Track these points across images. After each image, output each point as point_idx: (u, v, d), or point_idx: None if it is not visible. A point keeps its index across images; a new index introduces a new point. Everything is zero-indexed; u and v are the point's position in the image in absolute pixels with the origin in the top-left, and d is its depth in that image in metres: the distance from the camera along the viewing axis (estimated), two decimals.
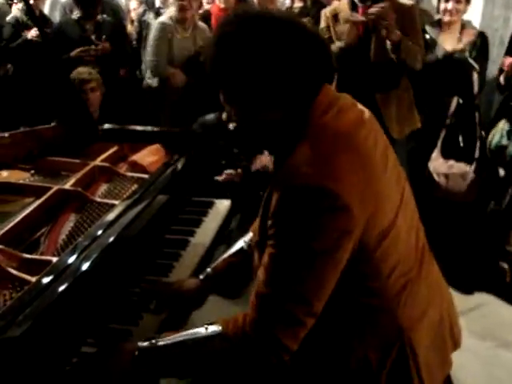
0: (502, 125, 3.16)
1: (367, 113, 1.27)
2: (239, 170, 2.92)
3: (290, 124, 1.15)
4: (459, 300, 2.94)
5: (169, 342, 1.19)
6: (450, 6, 3.21)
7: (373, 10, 2.64)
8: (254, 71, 1.09)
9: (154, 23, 4.08)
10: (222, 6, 4.27)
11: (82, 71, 3.26)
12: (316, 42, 1.14)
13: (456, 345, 1.38)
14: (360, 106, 1.28)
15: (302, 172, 1.07)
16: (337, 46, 2.80)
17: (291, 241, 1.08)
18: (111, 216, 1.66)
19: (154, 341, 1.21)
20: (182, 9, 3.76)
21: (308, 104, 1.14)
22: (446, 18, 3.25)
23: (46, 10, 5.24)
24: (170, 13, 4.00)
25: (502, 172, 3.23)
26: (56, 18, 4.96)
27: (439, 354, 1.30)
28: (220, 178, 2.90)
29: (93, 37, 3.92)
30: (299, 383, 1.28)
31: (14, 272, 1.42)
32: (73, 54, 3.79)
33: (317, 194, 1.05)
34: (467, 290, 2.99)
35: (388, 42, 2.69)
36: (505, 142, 3.11)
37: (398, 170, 1.28)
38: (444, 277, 1.39)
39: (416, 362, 1.21)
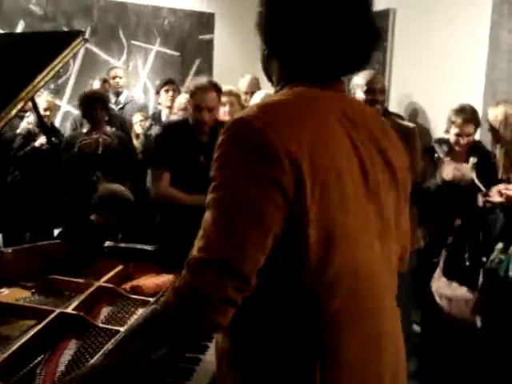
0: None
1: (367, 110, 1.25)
2: None
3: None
4: None
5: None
6: (462, 140, 3.29)
7: None
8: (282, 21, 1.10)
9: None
10: None
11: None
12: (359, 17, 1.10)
13: None
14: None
15: (244, 113, 1.05)
16: None
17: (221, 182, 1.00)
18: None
19: None
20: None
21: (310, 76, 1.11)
22: (457, 148, 3.35)
23: (58, 121, 5.42)
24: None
25: None
26: (67, 129, 5.11)
27: None
28: None
29: (100, 149, 4.01)
30: None
31: None
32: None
33: (243, 126, 1.01)
34: None
35: None
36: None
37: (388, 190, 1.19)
38: None
39: None
